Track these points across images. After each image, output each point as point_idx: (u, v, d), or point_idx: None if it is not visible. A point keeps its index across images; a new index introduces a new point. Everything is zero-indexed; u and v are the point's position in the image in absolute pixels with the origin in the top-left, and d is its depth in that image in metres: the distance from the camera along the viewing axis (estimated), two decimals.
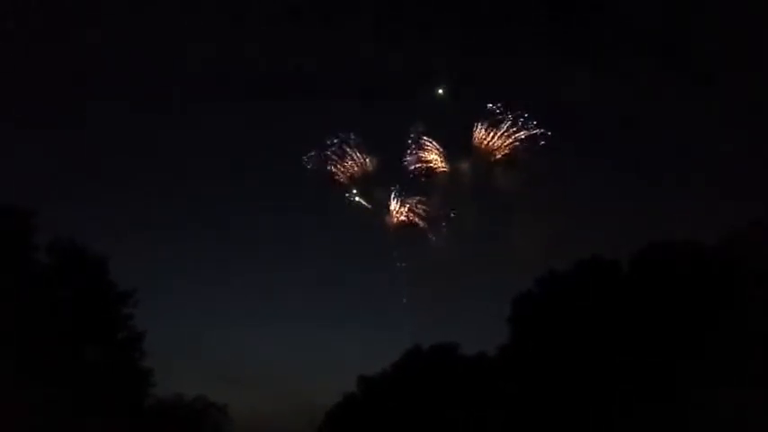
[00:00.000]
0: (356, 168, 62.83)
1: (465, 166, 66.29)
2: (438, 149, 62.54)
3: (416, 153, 62.87)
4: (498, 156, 60.20)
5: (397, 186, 63.17)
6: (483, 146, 60.60)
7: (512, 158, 60.42)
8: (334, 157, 62.06)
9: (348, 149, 62.41)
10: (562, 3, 67.28)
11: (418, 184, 65.40)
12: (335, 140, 61.85)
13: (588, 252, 42.70)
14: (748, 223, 37.11)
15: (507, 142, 59.50)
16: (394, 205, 62.91)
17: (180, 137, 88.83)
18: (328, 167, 62.48)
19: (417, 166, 62.99)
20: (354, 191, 62.83)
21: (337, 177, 62.73)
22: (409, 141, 62.94)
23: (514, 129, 59.42)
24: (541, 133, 58.49)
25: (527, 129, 59.33)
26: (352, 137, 62.60)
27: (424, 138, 62.85)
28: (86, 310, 38.62)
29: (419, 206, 62.93)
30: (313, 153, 62.27)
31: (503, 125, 59.65)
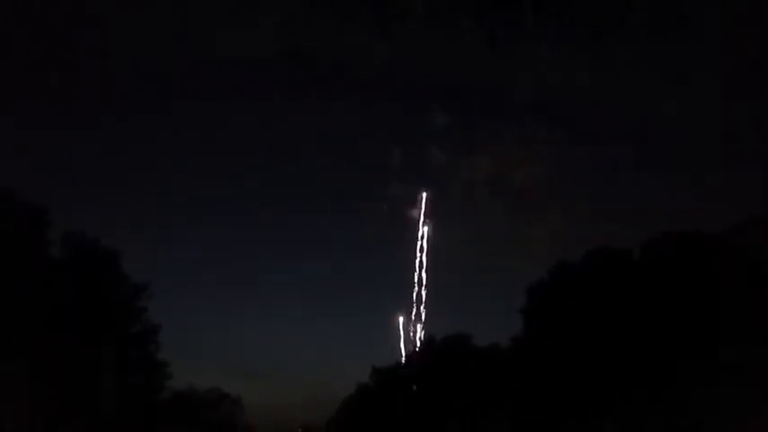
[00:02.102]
0: None
1: (484, 161, 66.75)
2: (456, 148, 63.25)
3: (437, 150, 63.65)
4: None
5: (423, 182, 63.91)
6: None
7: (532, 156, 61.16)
8: None
9: None
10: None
11: (437, 178, 66.19)
12: None
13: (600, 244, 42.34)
14: (752, 216, 36.89)
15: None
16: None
17: (180, 138, 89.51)
18: None
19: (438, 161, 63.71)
20: None
21: None
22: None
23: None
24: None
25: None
26: None
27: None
28: (101, 303, 38.95)
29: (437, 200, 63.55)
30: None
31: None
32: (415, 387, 56.07)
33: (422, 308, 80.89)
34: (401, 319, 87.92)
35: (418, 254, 73.54)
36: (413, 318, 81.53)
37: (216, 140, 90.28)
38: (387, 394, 59.87)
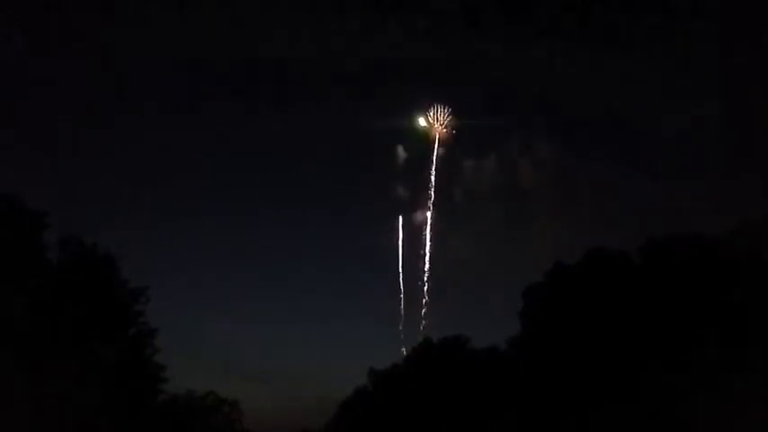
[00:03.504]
0: None
1: (486, 164, 67.48)
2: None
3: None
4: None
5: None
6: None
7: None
8: None
9: None
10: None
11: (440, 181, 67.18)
12: None
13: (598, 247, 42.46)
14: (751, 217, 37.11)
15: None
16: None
17: (180, 139, 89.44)
18: None
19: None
20: None
21: None
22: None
23: None
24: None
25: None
26: None
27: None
28: (98, 307, 38.77)
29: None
30: None
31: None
32: (411, 389, 55.93)
33: (423, 311, 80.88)
34: (402, 321, 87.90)
35: (423, 254, 73.80)
36: (421, 313, 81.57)
37: (216, 142, 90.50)
38: (384, 397, 59.79)
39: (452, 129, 69.90)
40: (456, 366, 52.84)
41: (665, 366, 33.88)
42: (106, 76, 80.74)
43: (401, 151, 68.82)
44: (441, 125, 69.43)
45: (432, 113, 70.26)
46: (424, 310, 79.72)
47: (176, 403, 49.45)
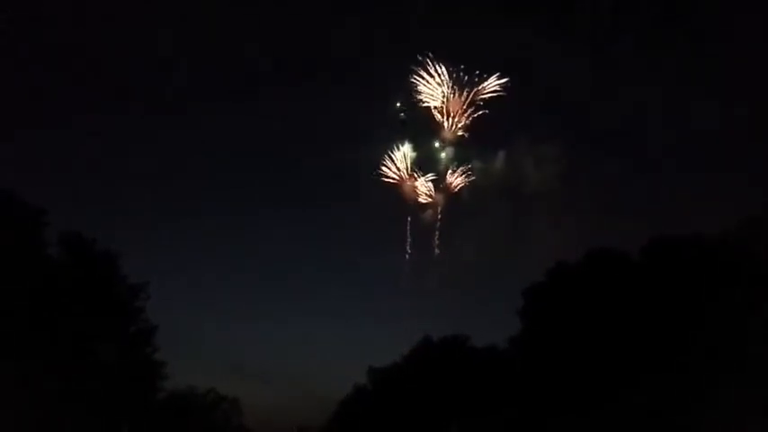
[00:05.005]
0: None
1: (491, 163, 66.01)
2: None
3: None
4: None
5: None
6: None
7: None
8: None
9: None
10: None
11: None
12: None
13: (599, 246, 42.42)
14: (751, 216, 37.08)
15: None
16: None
17: (179, 136, 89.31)
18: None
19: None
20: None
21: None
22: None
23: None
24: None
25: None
26: None
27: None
28: (98, 304, 38.80)
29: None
30: None
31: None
32: (411, 388, 55.96)
33: (425, 309, 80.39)
34: (403, 320, 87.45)
35: (432, 252, 72.82)
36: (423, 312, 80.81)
37: (216, 140, 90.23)
38: (384, 395, 59.81)
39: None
40: (455, 365, 52.85)
41: (664, 366, 33.88)
42: (106, 75, 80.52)
43: (408, 149, 67.22)
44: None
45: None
46: (426, 308, 79.23)
47: (176, 400, 49.55)
